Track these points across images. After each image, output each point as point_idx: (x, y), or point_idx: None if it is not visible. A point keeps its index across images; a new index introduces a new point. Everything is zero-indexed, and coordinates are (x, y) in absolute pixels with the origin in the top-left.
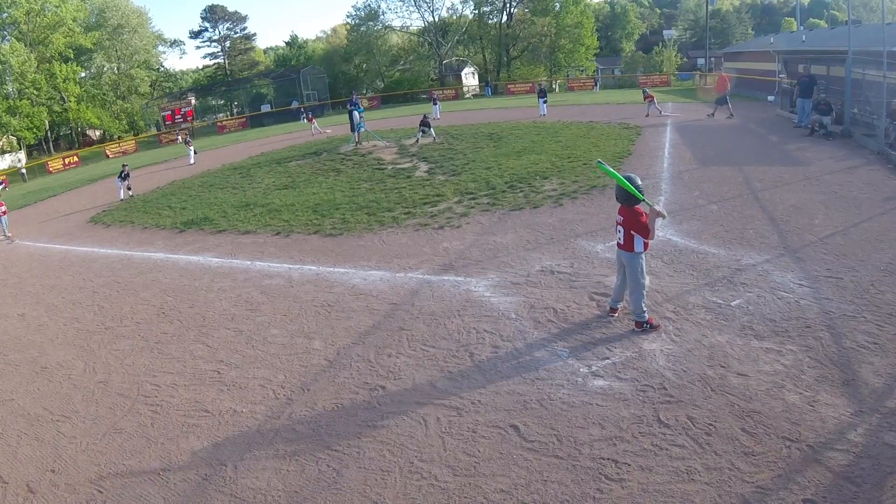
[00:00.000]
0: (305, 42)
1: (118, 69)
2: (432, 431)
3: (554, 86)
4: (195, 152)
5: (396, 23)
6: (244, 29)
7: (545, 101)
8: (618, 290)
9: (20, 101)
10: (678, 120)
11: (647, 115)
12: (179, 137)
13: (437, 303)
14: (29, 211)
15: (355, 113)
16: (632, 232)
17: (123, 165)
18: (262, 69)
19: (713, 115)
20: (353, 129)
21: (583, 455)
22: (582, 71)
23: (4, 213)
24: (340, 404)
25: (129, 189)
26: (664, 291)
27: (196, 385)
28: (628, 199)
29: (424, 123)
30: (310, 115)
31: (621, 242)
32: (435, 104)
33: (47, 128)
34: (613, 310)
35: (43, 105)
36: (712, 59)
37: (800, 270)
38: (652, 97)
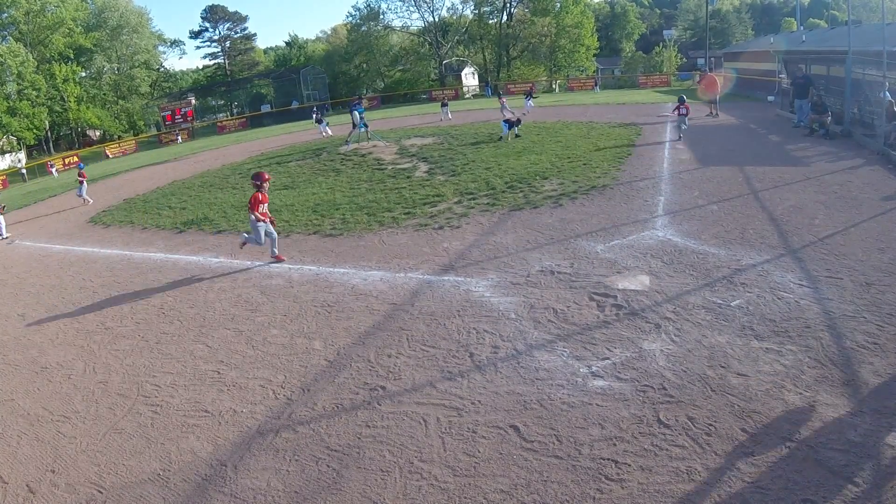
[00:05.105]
0: (305, 42)
1: (118, 69)
2: (432, 431)
3: (554, 85)
4: (327, 125)
5: (396, 23)
6: (244, 29)
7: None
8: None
9: (20, 101)
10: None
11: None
12: (314, 116)
13: (436, 303)
14: (29, 211)
15: (356, 112)
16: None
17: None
18: (262, 69)
19: (716, 115)
20: (354, 127)
21: (583, 455)
22: (582, 71)
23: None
24: (340, 404)
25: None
26: (664, 291)
27: (196, 385)
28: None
29: (515, 123)
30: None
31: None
32: (444, 107)
33: (47, 128)
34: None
35: (43, 105)
36: (712, 59)
37: (800, 270)
38: (503, 100)
